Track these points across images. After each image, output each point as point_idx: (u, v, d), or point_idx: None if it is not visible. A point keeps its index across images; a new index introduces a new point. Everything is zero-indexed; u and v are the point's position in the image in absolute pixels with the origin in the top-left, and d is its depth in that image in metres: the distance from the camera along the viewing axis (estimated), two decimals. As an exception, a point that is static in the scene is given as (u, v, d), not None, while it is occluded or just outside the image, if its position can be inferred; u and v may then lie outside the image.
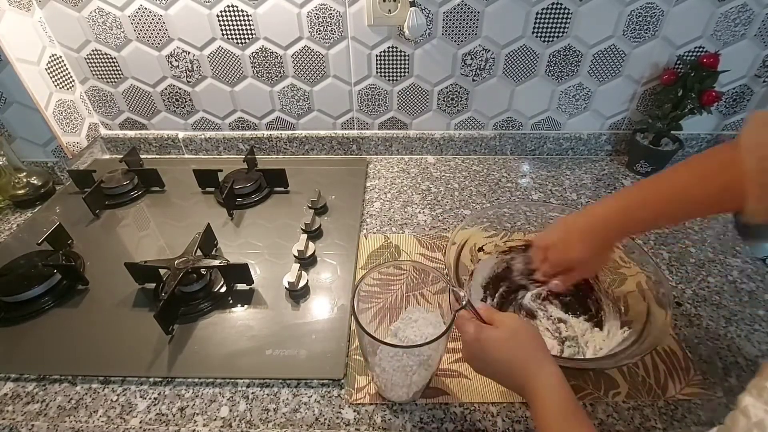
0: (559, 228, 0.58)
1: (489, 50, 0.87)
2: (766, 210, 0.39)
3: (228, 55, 0.88)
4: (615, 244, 0.57)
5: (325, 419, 0.51)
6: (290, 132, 1.00)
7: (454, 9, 0.81)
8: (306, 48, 0.87)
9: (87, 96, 0.95)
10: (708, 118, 0.93)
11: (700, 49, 0.85)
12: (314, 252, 0.73)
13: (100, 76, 0.92)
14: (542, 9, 0.81)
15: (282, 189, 0.90)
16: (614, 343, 0.55)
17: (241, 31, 0.85)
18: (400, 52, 0.87)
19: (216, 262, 0.66)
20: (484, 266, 0.68)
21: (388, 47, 0.87)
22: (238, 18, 0.83)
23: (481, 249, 0.69)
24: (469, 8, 0.81)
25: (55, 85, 0.88)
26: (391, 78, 0.91)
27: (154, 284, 0.67)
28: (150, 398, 0.53)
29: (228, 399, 0.53)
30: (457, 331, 0.47)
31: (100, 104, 0.97)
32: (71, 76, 0.91)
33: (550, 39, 0.85)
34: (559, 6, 0.81)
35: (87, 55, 0.89)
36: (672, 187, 0.47)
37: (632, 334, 0.54)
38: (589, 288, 0.65)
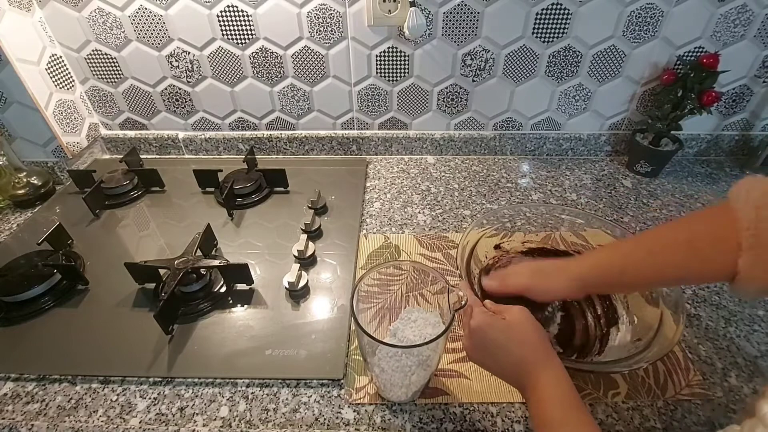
0: (531, 263, 0.58)
1: (489, 50, 0.87)
2: (761, 270, 0.37)
3: (228, 55, 0.88)
4: (581, 295, 0.54)
5: (325, 419, 0.51)
6: (290, 132, 1.00)
7: (454, 9, 0.81)
8: (306, 48, 0.87)
9: (87, 96, 0.95)
10: (708, 118, 0.93)
11: (700, 50, 0.86)
12: (314, 252, 0.73)
13: (100, 76, 0.92)
14: (542, 9, 0.81)
15: (282, 189, 0.90)
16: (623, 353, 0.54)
17: (241, 31, 0.85)
18: (400, 52, 0.87)
19: (216, 262, 0.66)
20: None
21: (388, 47, 0.87)
22: (238, 18, 0.83)
23: (498, 246, 0.69)
24: (469, 8, 0.81)
25: (55, 85, 0.88)
26: (391, 78, 0.91)
27: (154, 284, 0.67)
28: (150, 398, 0.54)
29: (228, 399, 0.53)
30: (461, 324, 0.46)
31: (100, 104, 0.97)
32: (71, 76, 0.91)
33: (550, 39, 0.85)
34: (559, 6, 0.81)
35: (87, 55, 0.89)
36: (655, 249, 0.46)
37: (642, 344, 0.53)
38: (607, 295, 0.63)
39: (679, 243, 0.44)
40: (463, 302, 0.44)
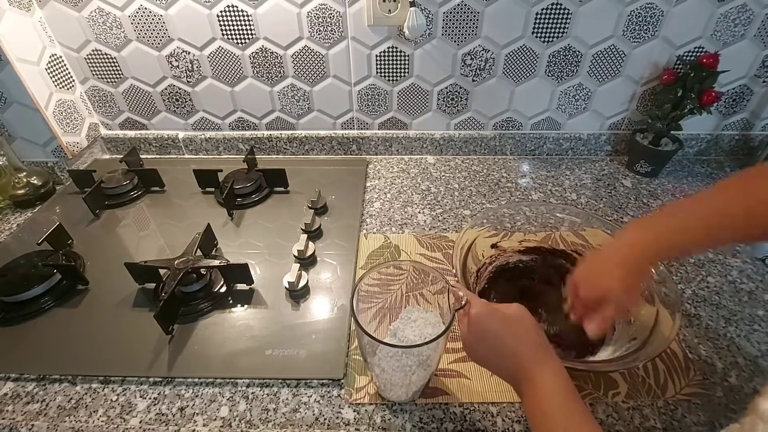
0: (590, 260, 0.53)
1: (489, 50, 0.87)
2: None
3: (228, 55, 0.88)
4: (648, 271, 0.53)
5: (325, 419, 0.51)
6: (290, 132, 1.00)
7: (454, 9, 0.81)
8: (306, 48, 0.87)
9: (87, 96, 0.95)
10: (708, 118, 0.93)
11: (700, 49, 0.86)
12: (314, 252, 0.73)
13: (100, 76, 0.92)
14: (542, 9, 0.81)
15: (282, 189, 0.90)
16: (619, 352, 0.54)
17: (241, 31, 0.85)
18: (400, 52, 0.87)
19: (216, 262, 0.66)
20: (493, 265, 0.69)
21: (388, 47, 0.87)
22: (238, 18, 0.83)
23: (495, 246, 0.69)
24: (469, 8, 0.81)
25: (55, 85, 0.88)
26: (391, 78, 0.91)
27: (154, 284, 0.67)
28: (150, 398, 0.54)
29: (228, 399, 0.53)
30: (460, 323, 0.46)
31: (100, 104, 0.97)
32: (71, 76, 0.91)
33: (550, 39, 0.85)
34: (559, 6, 0.81)
35: (87, 55, 0.89)
36: (710, 209, 0.46)
37: (637, 342, 0.53)
38: None
39: (736, 215, 0.45)
40: (462, 302, 0.44)
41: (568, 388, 0.40)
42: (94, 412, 0.52)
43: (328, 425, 0.51)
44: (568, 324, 0.54)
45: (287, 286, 0.65)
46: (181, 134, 1.00)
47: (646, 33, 0.84)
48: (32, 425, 0.51)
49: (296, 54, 0.88)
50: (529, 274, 0.69)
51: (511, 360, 0.43)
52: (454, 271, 0.60)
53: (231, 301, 0.66)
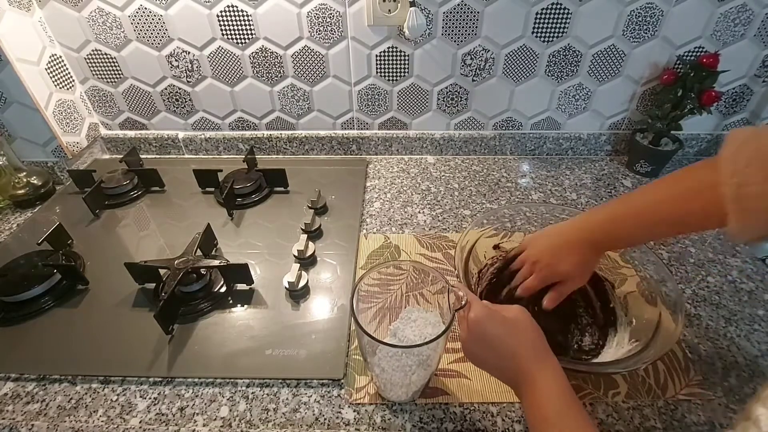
0: (544, 242, 0.58)
1: (489, 50, 0.87)
2: (746, 232, 0.39)
3: (228, 55, 0.88)
4: (600, 256, 0.57)
5: (325, 419, 0.51)
6: (290, 132, 1.00)
7: (454, 9, 0.81)
8: (306, 48, 0.87)
9: (87, 96, 0.95)
10: (708, 118, 0.93)
11: (700, 49, 0.85)
12: (314, 252, 0.73)
13: (100, 76, 0.92)
14: (542, 9, 0.81)
15: (282, 189, 0.90)
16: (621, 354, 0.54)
17: (241, 31, 0.85)
18: (400, 52, 0.87)
19: (216, 262, 0.66)
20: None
21: (388, 47, 0.87)
22: (238, 18, 0.83)
23: (497, 246, 0.69)
24: (469, 8, 0.81)
25: (55, 85, 0.88)
26: (391, 78, 0.91)
27: (154, 284, 0.67)
28: (150, 398, 0.54)
29: (228, 399, 0.53)
30: (460, 323, 0.46)
31: (100, 104, 0.97)
32: (71, 76, 0.91)
33: (550, 39, 0.85)
34: (558, 6, 0.81)
35: (87, 55, 0.89)
36: (653, 205, 0.48)
37: (640, 344, 0.53)
38: (606, 298, 0.63)
39: (667, 200, 0.47)
40: (462, 302, 0.44)
41: (567, 391, 0.40)
42: (94, 412, 0.52)
43: (328, 425, 0.51)
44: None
45: (287, 286, 0.65)
46: (181, 134, 1.00)
47: (646, 33, 0.84)
48: (32, 425, 0.51)
49: (296, 54, 0.88)
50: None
51: (510, 362, 0.43)
52: (455, 271, 0.60)
53: (231, 301, 0.66)
